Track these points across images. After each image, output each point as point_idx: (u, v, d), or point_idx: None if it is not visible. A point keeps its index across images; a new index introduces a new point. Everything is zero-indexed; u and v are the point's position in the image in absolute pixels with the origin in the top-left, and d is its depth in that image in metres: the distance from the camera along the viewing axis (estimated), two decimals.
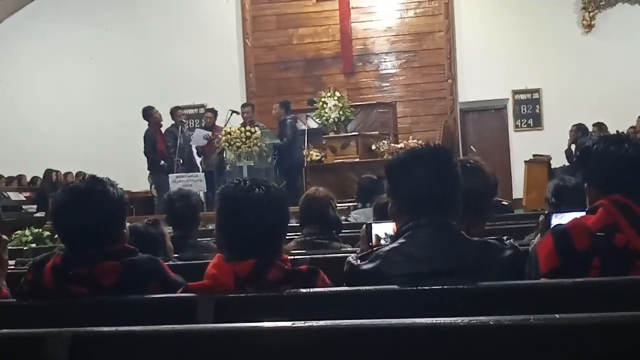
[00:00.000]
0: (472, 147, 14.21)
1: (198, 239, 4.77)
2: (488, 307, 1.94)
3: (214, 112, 12.73)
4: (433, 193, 2.41)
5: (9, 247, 3.01)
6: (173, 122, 12.47)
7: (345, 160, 12.64)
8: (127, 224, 2.73)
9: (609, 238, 2.36)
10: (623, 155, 2.48)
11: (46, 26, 16.01)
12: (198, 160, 12.77)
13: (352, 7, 15.46)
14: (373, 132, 13.61)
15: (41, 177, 15.01)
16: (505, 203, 6.51)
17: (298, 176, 12.13)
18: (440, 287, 2.21)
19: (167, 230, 4.35)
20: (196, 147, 12.55)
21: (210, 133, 12.17)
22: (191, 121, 14.61)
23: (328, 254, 3.90)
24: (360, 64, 15.65)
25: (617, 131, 2.69)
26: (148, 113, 12.11)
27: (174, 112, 12.47)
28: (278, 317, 1.80)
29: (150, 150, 12.08)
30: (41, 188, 14.46)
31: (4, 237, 2.80)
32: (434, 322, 1.64)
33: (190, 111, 14.95)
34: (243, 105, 12.49)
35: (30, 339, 1.86)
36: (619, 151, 2.49)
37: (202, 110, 14.74)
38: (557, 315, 1.60)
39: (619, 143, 2.51)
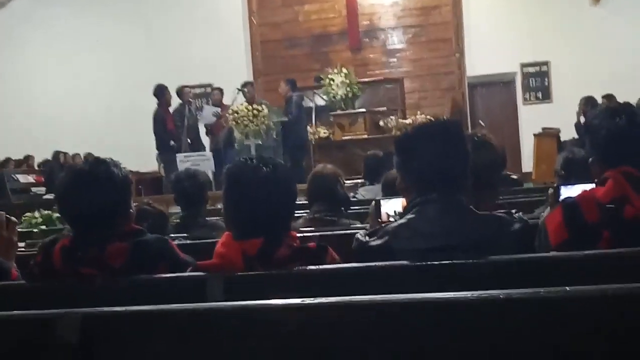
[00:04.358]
0: (480, 121, 14.13)
1: (206, 218, 4.78)
2: (498, 281, 1.94)
3: (221, 91, 12.73)
4: (442, 168, 2.40)
5: (19, 229, 3.02)
6: (180, 101, 12.42)
7: (353, 137, 12.60)
8: (134, 204, 2.72)
9: (619, 210, 2.35)
10: (617, 127, 2.46)
11: (51, 10, 15.95)
12: (206, 139, 12.74)
13: None
14: (381, 108, 13.52)
15: (51, 159, 15.03)
16: (515, 177, 6.49)
17: (302, 155, 12.06)
18: (450, 261, 2.20)
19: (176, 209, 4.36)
20: (205, 126, 12.51)
21: (219, 109, 12.14)
22: (198, 100, 14.57)
23: (337, 230, 3.90)
24: (367, 39, 15.55)
25: (625, 102, 2.66)
26: (161, 92, 11.95)
27: (180, 91, 12.39)
28: (287, 295, 1.80)
29: (161, 129, 11.97)
30: (49, 170, 14.46)
31: (14, 219, 2.81)
32: (444, 296, 1.64)
33: (197, 90, 14.88)
34: (243, 85, 12.41)
35: (41, 320, 1.86)
36: (614, 123, 2.47)
37: (209, 90, 14.72)
38: (567, 288, 1.59)
39: (613, 115, 2.49)
